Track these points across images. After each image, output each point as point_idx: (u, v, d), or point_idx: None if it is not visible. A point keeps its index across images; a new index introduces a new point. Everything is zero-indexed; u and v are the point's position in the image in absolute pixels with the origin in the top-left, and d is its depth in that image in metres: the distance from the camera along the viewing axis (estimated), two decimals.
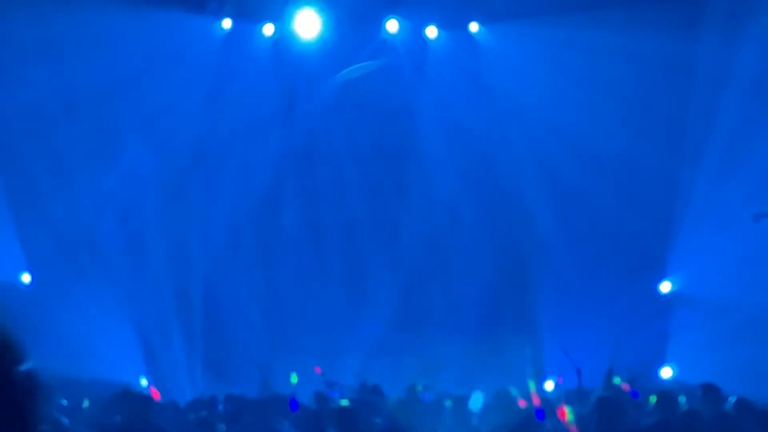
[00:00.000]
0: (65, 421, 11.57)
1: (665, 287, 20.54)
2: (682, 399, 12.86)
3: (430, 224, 22.04)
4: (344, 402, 13.36)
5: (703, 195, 19.48)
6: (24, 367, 4.46)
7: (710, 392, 12.75)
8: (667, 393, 12.50)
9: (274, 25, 20.99)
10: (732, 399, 12.08)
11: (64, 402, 13.86)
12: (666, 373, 19.68)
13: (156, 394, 15.29)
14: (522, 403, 13.93)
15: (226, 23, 20.90)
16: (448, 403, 12.75)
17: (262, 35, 21.10)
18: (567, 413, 12.67)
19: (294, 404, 14.20)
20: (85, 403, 14.68)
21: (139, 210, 20.89)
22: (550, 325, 20.50)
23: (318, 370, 16.20)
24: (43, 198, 20.03)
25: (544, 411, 12.37)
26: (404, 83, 21.45)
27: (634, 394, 15.06)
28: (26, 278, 20.21)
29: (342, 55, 21.15)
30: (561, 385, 17.12)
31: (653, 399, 12.49)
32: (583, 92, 20.11)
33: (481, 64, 21.15)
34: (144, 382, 19.99)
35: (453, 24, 21.30)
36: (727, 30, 18.97)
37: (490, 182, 21.66)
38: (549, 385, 17.79)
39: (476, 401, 13.90)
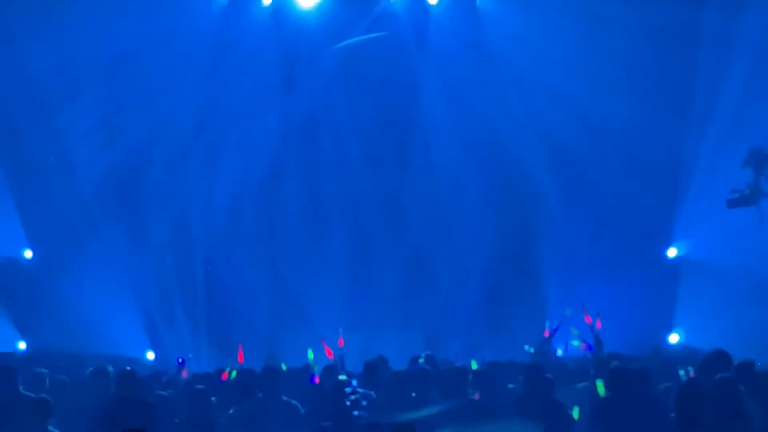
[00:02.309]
0: None
1: (672, 252, 20.45)
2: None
3: (433, 196, 21.92)
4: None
5: (708, 162, 19.38)
6: None
7: (720, 359, 12.67)
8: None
9: None
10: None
11: (66, 378, 13.74)
12: (674, 338, 19.62)
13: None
14: None
15: None
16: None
17: (260, 5, 20.90)
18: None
19: (312, 379, 14.22)
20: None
21: (140, 186, 20.77)
22: (556, 295, 20.39)
23: (328, 349, 16.07)
24: (43, 174, 19.95)
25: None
26: (406, 53, 21.25)
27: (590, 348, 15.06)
28: (28, 254, 20.12)
29: (342, 25, 20.97)
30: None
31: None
32: (587, 61, 19.96)
33: (484, 33, 20.93)
34: (150, 355, 19.96)
35: None
36: None
37: (493, 153, 21.51)
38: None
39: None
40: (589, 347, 15.28)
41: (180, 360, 15.22)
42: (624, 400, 11.46)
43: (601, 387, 12.65)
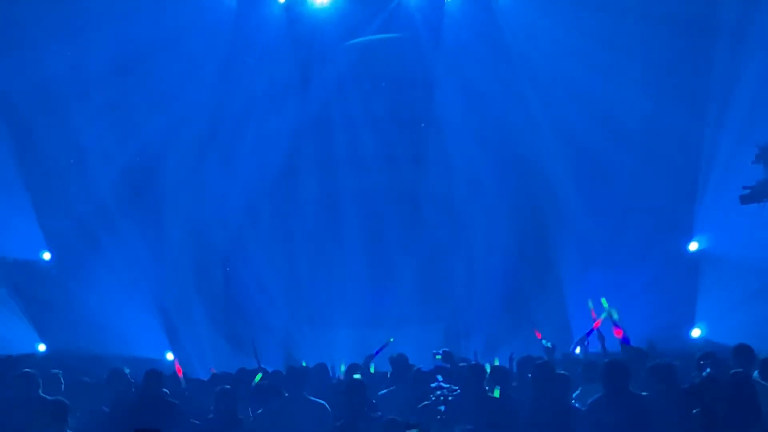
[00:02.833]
0: None
1: (693, 246, 20.34)
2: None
3: (450, 193, 21.86)
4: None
5: (727, 155, 19.22)
6: None
7: (743, 353, 12.61)
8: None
9: None
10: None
11: (86, 379, 13.74)
12: (695, 333, 19.51)
13: (179, 371, 15.17)
14: None
15: None
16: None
17: (275, 4, 20.84)
18: None
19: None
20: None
21: (157, 186, 20.76)
22: (575, 291, 20.29)
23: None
24: (60, 176, 19.95)
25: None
26: (420, 50, 21.16)
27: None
28: (47, 256, 20.14)
29: (356, 22, 20.89)
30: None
31: None
32: (604, 55, 19.80)
33: (499, 29, 20.79)
34: (170, 356, 19.94)
35: None
36: None
37: (510, 149, 21.42)
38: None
39: None
40: (625, 339, 15.17)
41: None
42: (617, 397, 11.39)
43: None
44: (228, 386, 12.50)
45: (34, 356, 16.96)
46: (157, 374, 12.35)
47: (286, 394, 12.24)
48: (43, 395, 11.57)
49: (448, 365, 14.32)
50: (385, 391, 13.23)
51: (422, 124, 21.83)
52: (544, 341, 15.43)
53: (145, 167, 20.51)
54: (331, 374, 14.75)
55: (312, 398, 12.33)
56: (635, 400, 11.48)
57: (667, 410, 11.41)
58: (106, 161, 20.16)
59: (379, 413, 12.11)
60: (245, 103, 21.09)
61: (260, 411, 12.19)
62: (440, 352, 14.69)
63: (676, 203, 20.03)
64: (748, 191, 16.94)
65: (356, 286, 22.01)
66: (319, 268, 22.03)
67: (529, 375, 12.44)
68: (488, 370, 12.98)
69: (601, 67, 19.86)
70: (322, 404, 12.22)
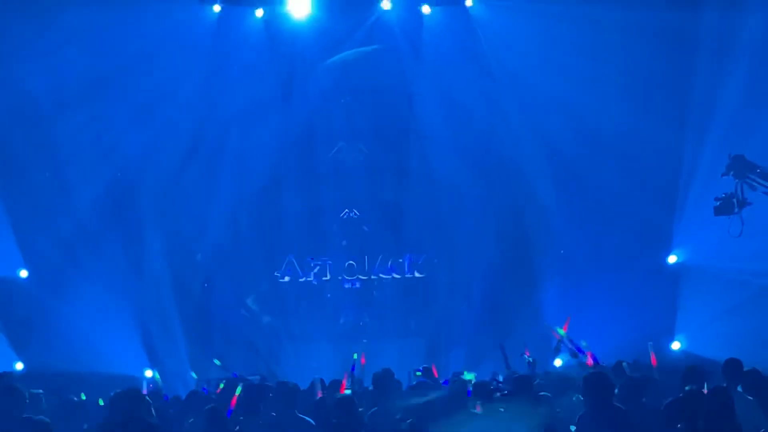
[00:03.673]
0: None
1: (672, 259, 20.36)
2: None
3: (432, 205, 21.85)
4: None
5: (707, 168, 19.22)
6: None
7: (732, 368, 12.57)
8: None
9: (264, 8, 20.70)
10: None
11: (75, 398, 13.61)
12: (675, 345, 19.51)
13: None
14: None
15: (216, 8, 20.57)
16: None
17: (253, 17, 20.77)
18: None
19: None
20: (100, 402, 14.44)
21: (137, 202, 20.64)
22: (556, 303, 20.28)
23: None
24: (39, 193, 19.79)
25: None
26: (401, 63, 21.14)
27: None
28: (24, 274, 19.97)
29: (336, 36, 20.86)
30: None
31: None
32: (582, 66, 19.83)
33: (479, 41, 20.79)
34: (149, 373, 19.81)
35: (448, 0, 20.96)
36: (729, 1, 18.72)
37: (491, 160, 21.44)
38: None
39: None
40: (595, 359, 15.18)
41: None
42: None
43: None
44: (214, 405, 12.42)
45: (11, 375, 16.75)
46: (133, 394, 12.20)
47: (273, 413, 12.14)
48: (28, 415, 11.37)
49: (429, 381, 14.27)
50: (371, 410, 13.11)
51: (407, 136, 21.78)
52: (525, 356, 15.42)
53: (125, 182, 20.39)
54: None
55: (300, 416, 12.25)
56: (619, 414, 11.45)
57: (651, 425, 11.40)
58: (85, 177, 20.03)
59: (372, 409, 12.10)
60: (227, 117, 21.04)
61: (237, 428, 12.10)
62: (420, 369, 14.63)
63: (655, 215, 20.05)
64: (719, 203, 16.96)
65: (337, 299, 21.99)
66: (300, 282, 21.98)
67: (506, 391, 12.43)
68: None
69: (581, 79, 19.87)
70: (309, 422, 12.13)
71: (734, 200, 16.55)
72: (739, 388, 12.18)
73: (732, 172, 16.39)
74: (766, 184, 16.08)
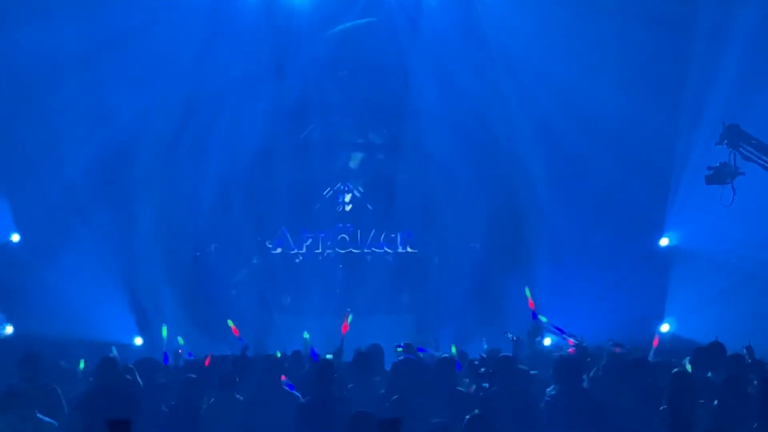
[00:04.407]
0: None
1: (664, 242, 20.38)
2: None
3: (424, 182, 21.81)
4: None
5: (700, 152, 19.21)
6: None
7: (715, 351, 12.63)
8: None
9: None
10: None
11: (62, 363, 13.66)
12: (664, 328, 19.54)
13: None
14: None
15: None
16: None
17: None
18: None
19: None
20: (81, 365, 14.49)
21: (129, 171, 20.61)
22: (546, 283, 20.31)
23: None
24: (31, 159, 19.77)
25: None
26: (397, 38, 21.08)
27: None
28: (15, 238, 19.97)
29: (333, 9, 20.81)
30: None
31: None
32: (579, 49, 19.81)
33: (477, 19, 20.71)
34: (138, 341, 19.86)
35: None
36: None
37: (485, 139, 21.39)
38: None
39: None
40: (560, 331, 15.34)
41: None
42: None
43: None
44: (194, 375, 12.47)
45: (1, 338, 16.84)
46: (111, 361, 12.28)
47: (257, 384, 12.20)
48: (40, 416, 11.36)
49: (413, 356, 14.29)
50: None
51: (402, 111, 21.73)
52: (508, 334, 15.41)
53: (117, 152, 20.32)
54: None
55: (286, 388, 12.30)
56: (588, 396, 11.54)
57: (632, 407, 11.48)
58: (78, 145, 19.98)
59: (349, 386, 12.13)
60: (220, 89, 20.95)
61: (212, 400, 12.14)
62: (402, 345, 14.63)
63: (648, 199, 20.07)
64: (711, 171, 16.94)
65: (327, 273, 22.00)
66: (291, 254, 22.00)
67: (490, 370, 12.46)
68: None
69: (577, 62, 19.88)
70: (296, 396, 12.18)
71: (727, 170, 16.51)
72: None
73: (726, 141, 16.34)
74: (761, 157, 16.02)
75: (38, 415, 11.09)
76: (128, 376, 12.24)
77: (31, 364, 12.21)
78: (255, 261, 21.81)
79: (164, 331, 16.43)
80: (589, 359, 13.64)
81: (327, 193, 22.17)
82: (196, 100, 20.86)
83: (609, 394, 11.93)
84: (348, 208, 22.23)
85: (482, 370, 11.71)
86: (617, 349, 14.88)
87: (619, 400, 11.76)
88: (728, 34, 18.90)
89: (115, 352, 14.40)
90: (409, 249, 22.19)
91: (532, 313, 16.26)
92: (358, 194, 22.27)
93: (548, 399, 11.59)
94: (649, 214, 20.22)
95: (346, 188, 22.26)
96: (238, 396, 12.27)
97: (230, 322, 16.71)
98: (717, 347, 12.65)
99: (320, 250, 22.09)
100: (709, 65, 19.02)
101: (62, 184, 19.82)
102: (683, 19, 19.06)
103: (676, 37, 19.20)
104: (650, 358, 14.06)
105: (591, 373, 12.88)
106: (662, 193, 19.98)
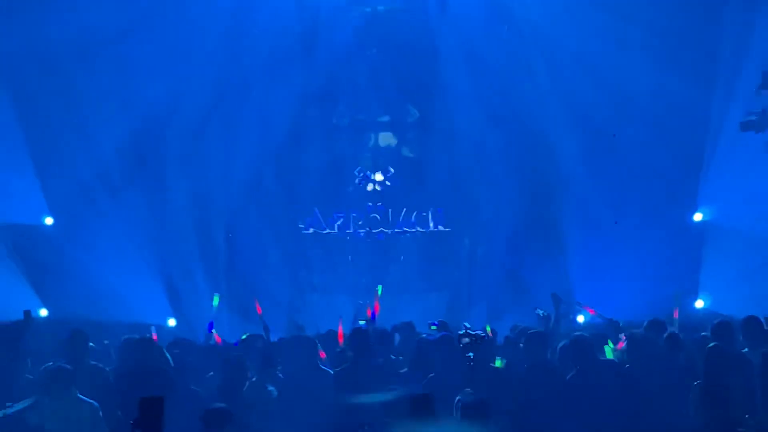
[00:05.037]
0: None
1: (698, 217, 20.24)
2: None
3: (455, 162, 21.76)
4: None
5: (734, 126, 19.07)
6: None
7: (752, 325, 12.51)
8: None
9: None
10: None
11: (92, 344, 13.70)
12: (699, 304, 19.44)
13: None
14: None
15: None
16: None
17: None
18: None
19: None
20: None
21: (160, 152, 20.69)
22: (579, 260, 20.26)
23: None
24: (63, 141, 19.84)
25: None
26: (427, 18, 21.01)
27: None
28: (49, 221, 20.08)
29: None
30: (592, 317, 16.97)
31: None
32: (609, 23, 19.63)
33: None
34: (172, 322, 19.93)
35: None
36: None
37: (516, 118, 21.32)
38: None
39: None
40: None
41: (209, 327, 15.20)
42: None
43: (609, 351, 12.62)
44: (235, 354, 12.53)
45: (36, 321, 16.88)
46: (145, 342, 12.33)
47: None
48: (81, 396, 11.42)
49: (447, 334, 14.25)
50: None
51: (432, 90, 21.66)
52: (538, 310, 15.34)
53: (149, 132, 20.37)
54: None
55: (322, 366, 12.34)
56: (607, 374, 11.51)
57: (662, 382, 11.42)
58: (109, 126, 20.03)
59: (381, 360, 12.14)
60: (250, 69, 20.95)
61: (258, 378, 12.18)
62: (436, 323, 14.61)
63: (681, 174, 19.93)
64: (750, 118, 16.73)
65: (359, 253, 22.01)
66: (323, 234, 22.02)
67: (521, 345, 12.44)
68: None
69: (608, 37, 19.70)
70: (329, 372, 12.22)
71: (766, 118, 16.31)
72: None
73: None
74: None
75: (79, 395, 11.15)
76: (164, 355, 12.30)
77: (78, 343, 12.23)
78: (287, 240, 21.81)
79: (216, 300, 16.45)
80: (622, 336, 13.57)
81: (358, 173, 22.17)
82: (225, 80, 20.89)
83: (638, 371, 11.83)
84: (378, 187, 22.22)
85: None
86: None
87: (649, 377, 11.67)
88: (761, 5, 18.68)
89: (154, 331, 14.41)
90: (440, 228, 22.17)
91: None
92: (388, 174, 22.25)
93: (568, 379, 11.56)
94: (682, 190, 20.10)
95: (377, 168, 22.24)
96: (279, 374, 12.33)
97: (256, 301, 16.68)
98: (753, 322, 12.51)
99: (351, 230, 22.11)
100: (742, 37, 18.81)
101: (94, 166, 19.92)
102: None
103: (709, 8, 19.01)
104: (676, 330, 13.97)
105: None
106: (695, 167, 19.82)
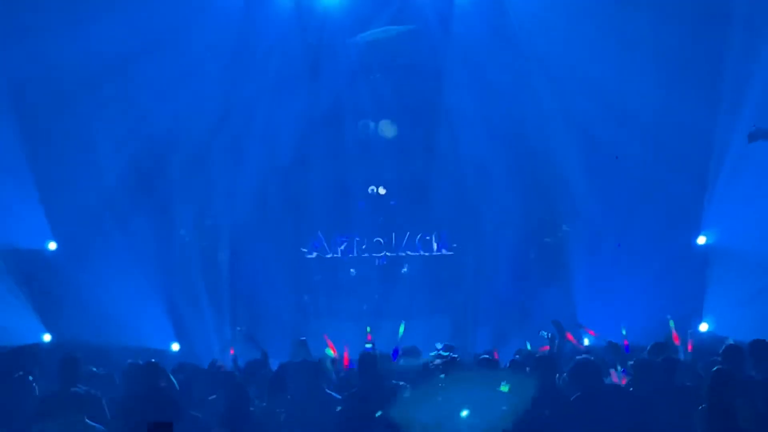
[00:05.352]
0: None
1: (701, 240, 20.20)
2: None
3: (460, 184, 21.78)
4: None
5: (738, 148, 19.05)
6: None
7: (760, 348, 12.46)
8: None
9: None
10: None
11: (95, 369, 13.68)
12: (703, 327, 19.38)
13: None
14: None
15: None
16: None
17: None
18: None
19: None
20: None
21: (165, 176, 20.70)
22: (584, 282, 20.23)
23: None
24: (67, 165, 19.86)
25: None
26: (431, 40, 21.02)
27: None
28: (52, 246, 20.06)
29: (367, 12, 20.74)
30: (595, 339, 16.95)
31: None
32: (615, 45, 19.63)
33: (510, 19, 20.59)
34: (175, 347, 19.90)
35: None
36: None
37: (520, 139, 21.32)
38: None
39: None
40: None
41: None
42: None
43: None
44: (238, 376, 12.50)
45: (39, 346, 16.87)
46: (152, 367, 12.29)
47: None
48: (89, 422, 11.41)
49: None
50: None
51: (436, 114, 21.69)
52: (542, 332, 15.29)
53: (153, 157, 20.40)
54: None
55: (329, 392, 12.31)
56: (613, 397, 11.46)
57: (666, 406, 11.37)
58: (114, 150, 20.06)
59: (393, 382, 12.13)
60: (255, 93, 20.99)
61: (265, 404, 12.16)
62: (442, 345, 14.60)
63: (686, 196, 19.91)
64: (757, 128, 16.74)
65: (364, 277, 21.99)
66: (327, 259, 22.00)
67: (527, 368, 12.42)
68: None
69: (612, 58, 19.68)
70: (336, 397, 12.19)
71: None
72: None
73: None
74: None
75: (87, 420, 11.14)
76: (167, 381, 12.27)
77: (69, 368, 12.21)
78: (290, 264, 21.79)
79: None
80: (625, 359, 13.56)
81: (361, 197, 22.16)
82: (230, 104, 20.91)
83: (643, 394, 11.80)
84: (382, 211, 22.21)
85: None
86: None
87: (654, 399, 11.64)
88: (766, 26, 18.69)
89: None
90: (444, 251, 22.14)
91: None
92: (392, 198, 22.25)
93: (571, 401, 11.51)
94: (686, 213, 20.07)
95: (381, 192, 22.22)
96: (289, 397, 12.31)
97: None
98: (761, 345, 12.46)
99: (355, 254, 22.09)
100: (747, 59, 18.80)
101: (98, 190, 19.89)
102: (720, 12, 18.87)
103: (713, 31, 19.01)
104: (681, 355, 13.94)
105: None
106: (699, 191, 19.80)
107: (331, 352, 15.09)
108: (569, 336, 15.49)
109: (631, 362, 12.72)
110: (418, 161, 22.21)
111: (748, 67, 18.83)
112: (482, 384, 11.65)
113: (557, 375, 12.37)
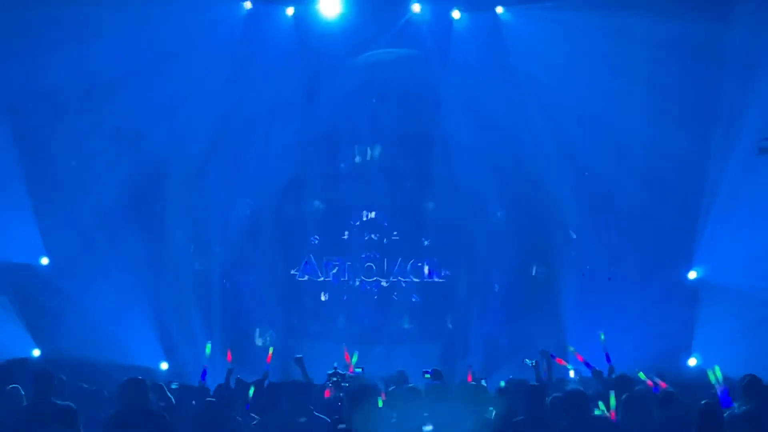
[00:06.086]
0: None
1: (692, 275, 20.26)
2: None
3: (453, 211, 21.83)
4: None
5: (731, 183, 19.14)
6: None
7: (752, 386, 12.46)
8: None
9: (295, 6, 20.69)
10: None
11: (85, 386, 13.66)
12: (692, 362, 19.41)
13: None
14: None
15: (247, 4, 20.60)
16: None
17: (283, 16, 20.76)
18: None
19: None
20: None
21: (159, 195, 20.70)
22: (574, 313, 20.26)
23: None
24: (62, 181, 19.87)
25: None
26: (428, 67, 21.12)
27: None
28: (45, 261, 20.05)
29: (365, 37, 20.81)
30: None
31: None
32: (609, 78, 19.73)
33: (507, 48, 20.69)
34: (164, 366, 19.86)
35: (478, 6, 20.89)
36: (758, 16, 18.60)
37: (514, 168, 21.39)
38: None
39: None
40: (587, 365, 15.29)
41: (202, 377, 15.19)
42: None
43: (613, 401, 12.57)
44: (213, 399, 12.43)
45: (28, 361, 16.83)
46: (140, 383, 12.23)
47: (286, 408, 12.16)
48: (55, 400, 11.37)
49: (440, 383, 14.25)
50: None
51: (431, 140, 21.75)
52: (527, 360, 15.24)
53: (147, 176, 20.43)
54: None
55: (316, 413, 12.26)
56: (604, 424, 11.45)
57: None
58: (108, 168, 20.08)
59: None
60: (251, 114, 21.03)
61: (257, 422, 12.12)
62: (429, 371, 14.57)
63: (677, 231, 19.96)
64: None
65: (355, 301, 21.99)
66: (319, 282, 22.01)
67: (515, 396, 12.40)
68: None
69: (606, 90, 19.79)
70: (326, 420, 12.14)
71: None
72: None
73: None
74: None
75: None
76: (158, 399, 12.24)
77: (43, 382, 12.12)
78: (282, 287, 21.79)
79: (208, 349, 16.45)
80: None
81: (354, 222, 22.19)
82: (226, 126, 20.95)
83: (629, 426, 11.79)
84: (375, 236, 22.24)
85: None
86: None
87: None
88: (760, 62, 18.80)
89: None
90: (435, 279, 22.17)
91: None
92: (385, 223, 22.28)
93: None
94: (677, 247, 20.10)
95: (374, 217, 22.26)
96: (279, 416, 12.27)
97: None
98: (752, 381, 12.47)
99: (346, 279, 22.10)
100: (741, 93, 18.89)
101: (92, 207, 19.89)
102: (714, 47, 18.93)
103: (707, 65, 19.07)
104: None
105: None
106: (691, 225, 19.85)
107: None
108: (559, 360, 15.53)
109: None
110: (412, 187, 22.25)
111: (741, 101, 18.92)
112: (468, 409, 11.66)
113: (544, 403, 12.33)
